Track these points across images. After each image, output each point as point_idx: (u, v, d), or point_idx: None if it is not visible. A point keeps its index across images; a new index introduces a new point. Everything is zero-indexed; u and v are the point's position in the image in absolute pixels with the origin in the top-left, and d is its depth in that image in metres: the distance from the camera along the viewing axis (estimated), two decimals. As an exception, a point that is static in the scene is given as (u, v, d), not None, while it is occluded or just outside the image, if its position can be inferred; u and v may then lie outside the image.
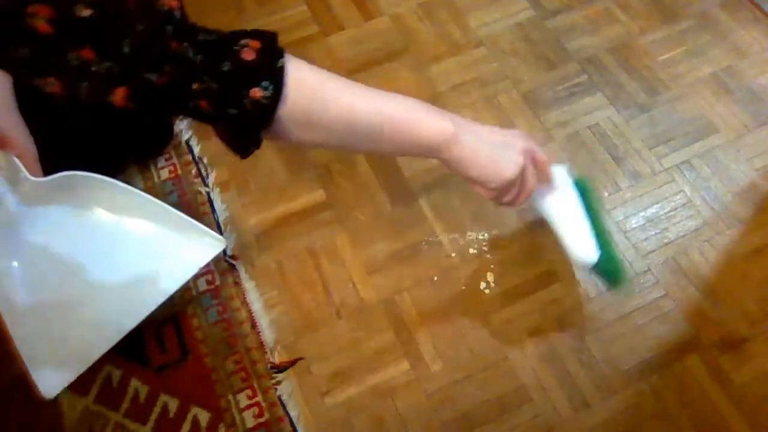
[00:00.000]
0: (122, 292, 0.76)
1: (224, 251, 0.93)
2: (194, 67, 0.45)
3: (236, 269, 0.93)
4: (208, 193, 0.99)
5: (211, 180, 1.00)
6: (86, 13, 0.40)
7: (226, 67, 0.46)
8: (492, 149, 0.59)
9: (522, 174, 0.62)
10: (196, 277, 0.91)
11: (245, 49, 0.47)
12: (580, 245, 0.73)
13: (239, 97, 0.47)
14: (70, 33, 0.40)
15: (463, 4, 1.18)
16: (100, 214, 0.76)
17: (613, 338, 0.87)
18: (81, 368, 0.74)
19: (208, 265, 0.92)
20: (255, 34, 0.49)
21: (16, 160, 0.65)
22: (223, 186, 1.00)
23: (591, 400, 0.84)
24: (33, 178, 0.66)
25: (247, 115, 0.48)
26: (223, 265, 0.93)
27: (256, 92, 0.47)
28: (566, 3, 1.18)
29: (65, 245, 0.75)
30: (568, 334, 0.88)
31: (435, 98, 1.07)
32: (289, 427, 0.82)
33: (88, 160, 0.96)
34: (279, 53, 0.49)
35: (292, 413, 0.83)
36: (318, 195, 0.99)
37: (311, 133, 0.53)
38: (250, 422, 0.83)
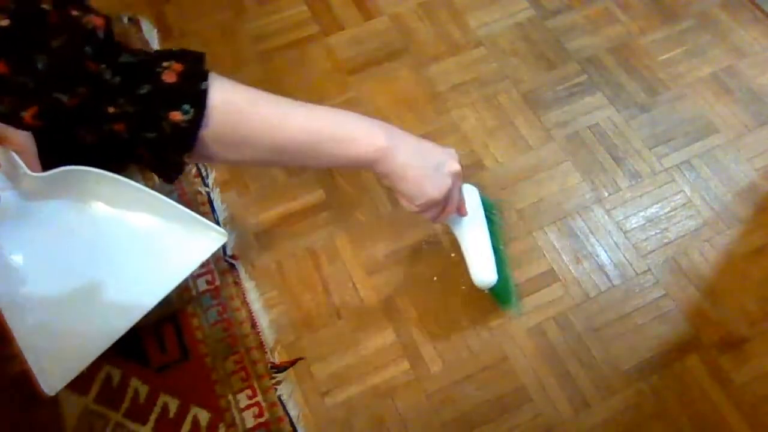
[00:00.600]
0: (124, 286, 0.76)
1: (224, 251, 0.94)
2: (110, 89, 0.43)
3: (236, 269, 0.93)
4: (208, 193, 0.99)
5: (211, 180, 1.00)
6: (3, 23, 0.38)
7: (145, 89, 0.44)
8: (422, 167, 0.59)
9: (447, 196, 0.63)
10: (195, 277, 0.92)
11: (167, 71, 0.45)
12: (482, 268, 0.79)
13: (157, 120, 0.45)
14: None
15: (462, 3, 1.18)
16: (101, 209, 0.76)
17: (613, 338, 0.88)
18: (84, 364, 0.73)
19: (208, 262, 0.92)
20: (180, 55, 0.47)
21: (15, 156, 0.65)
22: (223, 186, 1.00)
23: (591, 400, 0.84)
24: (32, 173, 0.66)
25: (165, 139, 0.46)
26: (223, 265, 0.93)
27: (176, 115, 0.46)
28: (566, 3, 1.19)
29: (66, 240, 0.75)
30: (568, 334, 0.88)
31: (435, 98, 1.07)
32: (289, 427, 0.82)
33: (88, 159, 0.96)
34: (202, 75, 0.47)
35: (292, 413, 0.83)
36: (318, 195, 0.99)
37: (238, 153, 0.52)
38: (250, 422, 0.83)
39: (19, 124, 0.43)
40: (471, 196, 0.80)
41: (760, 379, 0.85)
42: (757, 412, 0.83)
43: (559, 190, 0.99)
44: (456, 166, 0.62)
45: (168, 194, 0.98)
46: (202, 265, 0.92)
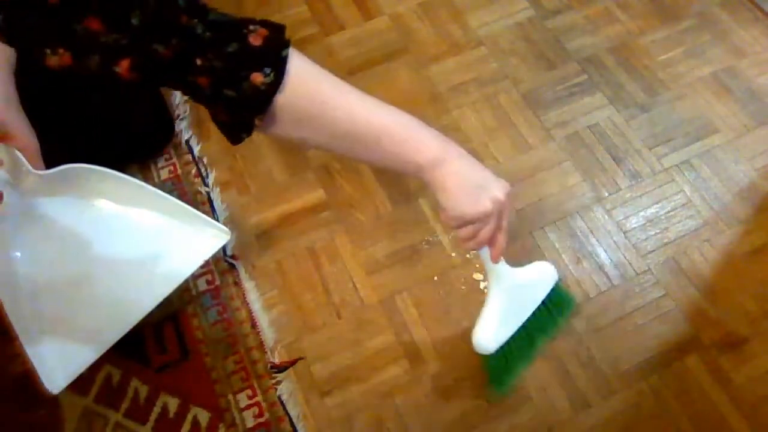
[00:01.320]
0: (127, 284, 0.76)
1: (224, 251, 0.94)
2: (201, 42, 0.45)
3: (236, 269, 0.93)
4: (208, 193, 0.99)
5: (211, 180, 1.00)
6: None
7: (232, 47, 0.46)
8: (465, 180, 0.58)
9: (483, 220, 0.61)
10: (195, 277, 0.92)
11: (253, 34, 0.47)
12: (484, 330, 0.70)
13: (240, 80, 0.47)
14: (77, 3, 0.40)
15: (462, 3, 1.18)
16: (104, 206, 0.76)
17: (613, 338, 0.87)
18: (87, 362, 0.73)
19: (208, 262, 0.92)
20: (264, 23, 0.50)
21: (19, 154, 0.65)
22: (223, 186, 1.00)
23: (591, 400, 0.84)
24: (35, 171, 0.66)
25: (244, 99, 0.48)
26: (223, 265, 0.93)
27: (257, 77, 0.47)
28: (566, 3, 1.18)
29: (68, 237, 0.75)
30: (568, 334, 0.88)
31: (435, 98, 1.07)
32: (289, 427, 0.82)
33: (89, 159, 0.96)
34: (285, 44, 0.50)
35: (292, 413, 0.83)
36: (318, 195, 0.99)
37: (305, 129, 0.53)
38: (250, 422, 0.83)
39: (113, 77, 0.45)
40: (542, 268, 0.75)
41: (760, 379, 0.85)
42: (757, 412, 0.83)
43: (559, 190, 0.99)
44: (500, 195, 0.59)
45: (168, 193, 0.98)
46: (202, 265, 0.92)
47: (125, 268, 0.77)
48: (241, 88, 0.48)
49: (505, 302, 0.70)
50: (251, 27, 0.48)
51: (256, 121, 0.52)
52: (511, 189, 0.61)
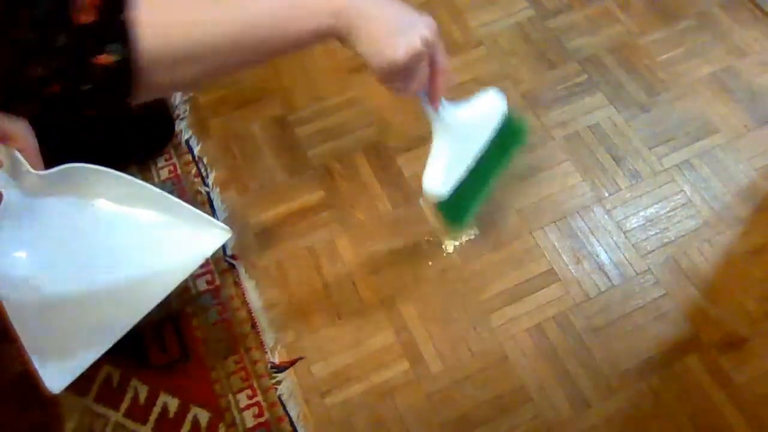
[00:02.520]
0: (128, 283, 0.75)
1: (224, 251, 0.94)
2: (29, 48, 0.38)
3: (236, 269, 0.93)
4: (208, 193, 0.99)
5: (211, 180, 1.00)
6: None
7: (61, 41, 0.39)
8: (390, 27, 0.52)
9: (414, 62, 0.55)
10: (195, 277, 0.92)
11: (82, 11, 0.39)
12: (433, 176, 0.66)
13: (86, 69, 0.40)
14: None
15: (462, 3, 1.18)
16: (104, 205, 0.75)
17: (613, 338, 0.88)
18: (88, 362, 0.71)
19: (208, 262, 0.92)
20: None
21: (18, 154, 0.65)
22: (223, 186, 1.00)
23: (591, 400, 0.84)
24: (35, 171, 0.66)
25: (102, 87, 0.42)
26: (223, 265, 0.93)
27: (102, 59, 0.40)
28: (566, 3, 1.18)
29: (69, 236, 0.75)
30: (568, 334, 0.88)
31: (435, 98, 1.07)
32: (289, 427, 0.82)
33: (89, 159, 0.96)
34: (119, 4, 0.41)
35: (292, 413, 0.83)
36: (318, 195, 0.99)
37: (187, 68, 0.46)
38: (250, 422, 0.83)
39: None
40: (486, 104, 0.70)
41: (760, 379, 0.85)
42: (757, 412, 0.83)
43: (559, 190, 0.99)
44: (427, 32, 0.54)
45: (168, 193, 0.98)
46: (202, 265, 0.92)
47: (126, 267, 0.76)
48: (93, 77, 0.41)
49: (452, 143, 0.66)
50: (78, 3, 0.39)
51: (131, 99, 0.44)
52: (436, 24, 0.56)
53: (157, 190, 0.73)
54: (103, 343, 0.72)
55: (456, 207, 0.72)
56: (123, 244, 0.77)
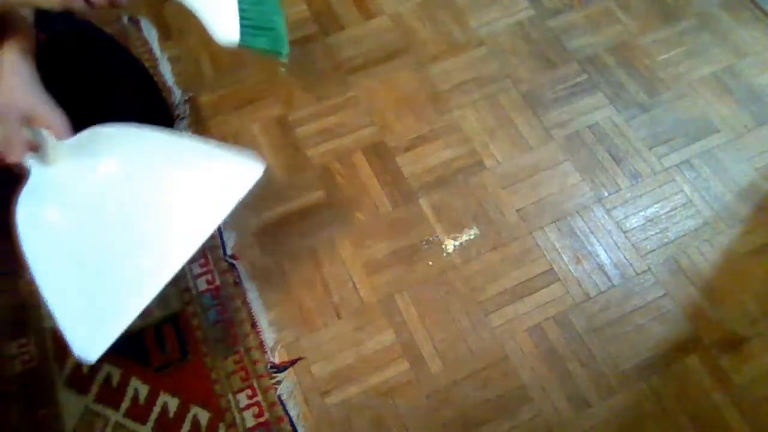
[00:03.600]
0: (165, 234, 0.74)
1: (224, 251, 0.94)
2: None
3: (236, 269, 0.93)
4: (207, 193, 0.99)
5: (211, 180, 1.00)
6: None
7: None
8: None
9: None
10: (195, 277, 0.92)
11: None
12: (222, 21, 0.63)
13: None
14: None
15: (463, 3, 1.18)
16: (134, 160, 0.75)
17: (613, 338, 0.88)
18: (123, 326, 0.68)
19: (208, 262, 0.92)
20: None
21: (44, 132, 0.67)
22: (223, 186, 1.00)
23: (591, 400, 0.84)
24: (61, 141, 0.68)
25: None
26: (223, 265, 0.93)
27: None
28: (566, 3, 1.18)
29: (103, 197, 0.74)
30: (568, 334, 0.88)
31: (435, 97, 1.07)
32: (289, 427, 0.82)
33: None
34: None
35: (292, 413, 0.83)
36: (318, 195, 0.99)
37: None
38: (250, 422, 0.83)
39: None
40: None
41: (760, 379, 0.85)
42: (757, 412, 0.83)
43: (559, 190, 0.99)
44: None
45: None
46: (202, 265, 0.93)
47: (162, 218, 0.74)
48: None
49: None
50: None
51: None
52: None
53: (182, 134, 0.74)
54: (138, 304, 0.69)
55: (265, 32, 0.69)
56: (157, 195, 0.75)
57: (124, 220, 0.73)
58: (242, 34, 0.67)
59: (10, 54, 0.61)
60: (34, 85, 0.68)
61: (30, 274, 0.66)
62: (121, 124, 0.69)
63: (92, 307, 0.68)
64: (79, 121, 0.92)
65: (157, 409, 0.83)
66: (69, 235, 0.72)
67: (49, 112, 0.68)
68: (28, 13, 0.69)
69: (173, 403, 0.83)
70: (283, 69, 0.78)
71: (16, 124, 0.65)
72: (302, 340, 0.88)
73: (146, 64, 1.04)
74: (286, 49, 0.73)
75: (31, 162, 0.68)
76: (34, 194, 0.69)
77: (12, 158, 0.64)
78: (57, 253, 0.70)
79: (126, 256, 0.72)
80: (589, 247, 0.94)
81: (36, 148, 0.68)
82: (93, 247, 0.72)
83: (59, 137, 0.68)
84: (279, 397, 0.84)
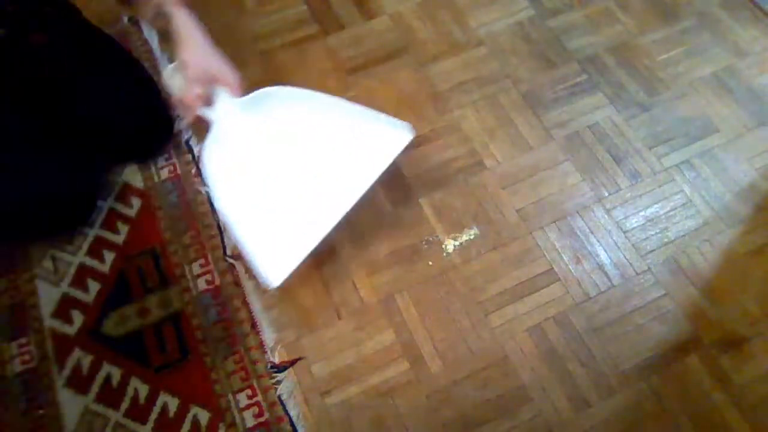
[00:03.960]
0: (328, 183, 0.84)
1: (224, 251, 0.94)
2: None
3: (236, 269, 0.93)
4: (207, 193, 0.99)
5: (211, 180, 1.00)
6: None
7: None
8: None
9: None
10: (195, 277, 0.92)
11: None
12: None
13: None
14: None
15: (463, 3, 1.18)
16: (300, 115, 0.85)
17: (613, 338, 0.88)
18: (302, 256, 0.80)
19: (208, 262, 0.92)
20: None
21: (224, 91, 0.78)
22: (223, 186, 1.00)
23: (591, 400, 0.84)
24: (240, 99, 0.79)
25: None
26: (223, 265, 0.93)
27: None
28: (566, 2, 1.18)
29: (276, 145, 0.85)
30: (568, 334, 0.88)
31: (435, 97, 1.07)
32: (289, 427, 0.82)
33: (89, 158, 0.96)
34: None
35: (292, 413, 0.83)
36: (318, 195, 0.99)
37: None
38: (250, 422, 0.83)
39: None
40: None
41: (760, 379, 0.85)
42: (757, 412, 0.83)
43: (559, 190, 0.99)
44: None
45: (167, 195, 0.98)
46: (202, 265, 0.93)
47: (326, 167, 0.85)
48: None
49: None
50: None
51: None
52: None
53: (342, 99, 0.83)
54: (313, 239, 0.81)
55: None
56: (321, 147, 0.85)
57: (293, 167, 0.84)
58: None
59: (186, 19, 0.71)
60: (211, 45, 0.76)
61: (217, 204, 0.80)
62: (287, 86, 0.81)
63: (274, 239, 0.80)
64: (79, 121, 0.92)
65: (157, 409, 0.83)
66: (248, 177, 0.83)
67: (227, 72, 0.76)
68: None
69: (173, 403, 0.83)
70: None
71: (198, 81, 0.74)
72: (302, 340, 0.88)
73: (146, 64, 1.04)
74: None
75: (211, 115, 0.79)
76: (216, 142, 0.80)
77: (190, 111, 0.75)
78: (240, 191, 0.82)
79: (297, 197, 0.83)
80: (589, 247, 0.94)
81: (210, 102, 0.78)
82: (269, 188, 0.84)
83: (235, 95, 0.77)
84: (279, 397, 0.84)
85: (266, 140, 0.84)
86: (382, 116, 0.83)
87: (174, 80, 0.80)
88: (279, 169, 0.84)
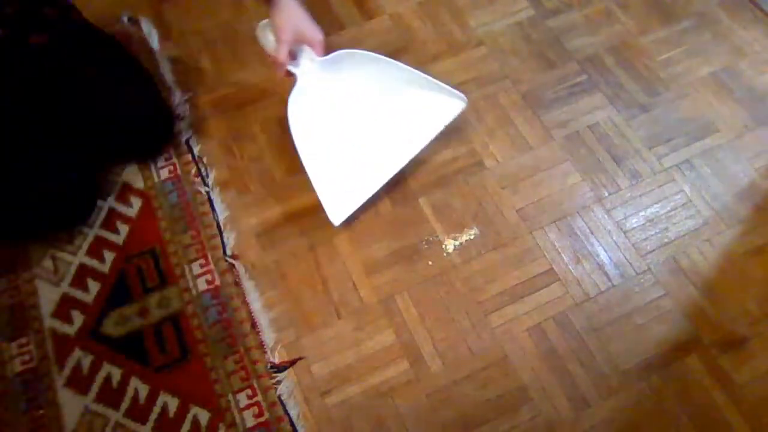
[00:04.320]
0: (390, 136, 0.96)
1: (224, 251, 0.94)
2: None
3: (236, 269, 0.93)
4: (207, 193, 0.99)
5: (211, 180, 1.00)
6: None
7: None
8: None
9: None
10: (196, 277, 0.92)
11: None
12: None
13: None
14: None
15: (463, 3, 1.18)
16: (369, 78, 0.95)
17: (613, 338, 0.88)
18: (363, 198, 0.94)
19: (207, 262, 0.92)
20: None
21: (309, 49, 0.90)
22: (223, 186, 1.00)
23: (591, 399, 0.84)
24: (323, 58, 0.89)
25: None
26: (223, 265, 0.93)
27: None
28: (566, 2, 1.18)
29: (345, 103, 0.96)
30: (568, 334, 0.88)
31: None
32: (288, 427, 0.82)
33: (90, 158, 0.96)
34: None
35: (292, 413, 0.83)
36: (318, 195, 0.99)
37: None
38: (250, 422, 0.83)
39: None
40: None
41: (760, 379, 0.85)
42: (757, 412, 0.83)
43: (559, 190, 0.99)
44: None
45: (167, 194, 0.99)
46: (202, 265, 0.93)
47: (389, 124, 0.96)
48: None
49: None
50: None
51: None
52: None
53: (405, 65, 0.92)
54: (373, 185, 0.94)
55: None
56: (384, 108, 0.97)
57: (361, 121, 0.97)
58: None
59: None
60: (301, 8, 0.86)
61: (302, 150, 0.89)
62: (362, 50, 0.91)
63: (339, 184, 0.92)
64: (79, 121, 0.92)
65: (157, 409, 0.83)
66: (322, 126, 0.95)
67: (314, 34, 0.87)
68: None
69: (173, 403, 0.83)
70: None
71: (288, 42, 0.85)
72: (302, 340, 0.88)
73: (146, 64, 1.04)
74: None
75: (295, 70, 0.90)
76: (300, 94, 0.90)
77: (281, 65, 0.87)
78: (315, 138, 0.92)
79: (361, 148, 0.96)
80: (589, 247, 0.94)
81: (295, 57, 0.90)
82: (339, 138, 0.96)
83: (318, 54, 0.89)
84: (279, 397, 0.84)
85: (340, 95, 0.96)
86: (442, 85, 0.93)
87: (266, 37, 0.92)
88: (349, 121, 0.96)
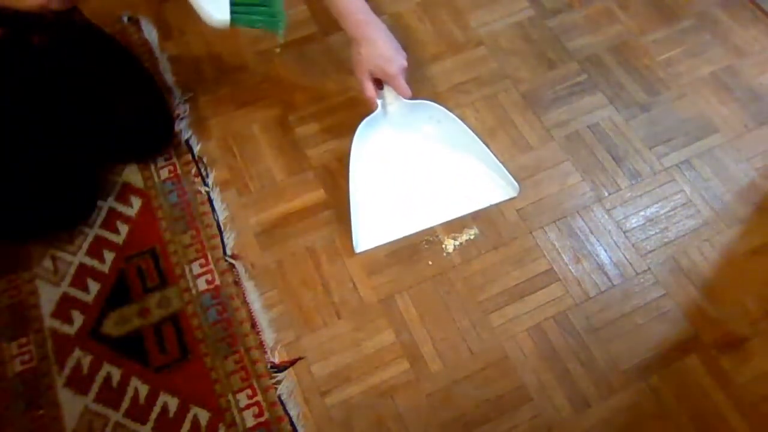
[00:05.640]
0: (430, 197, 0.97)
1: (224, 251, 0.94)
2: None
3: (236, 269, 0.93)
4: (207, 193, 0.99)
5: (211, 180, 1.00)
6: None
7: None
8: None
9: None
10: (195, 277, 0.92)
11: None
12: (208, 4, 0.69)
13: None
14: None
15: (463, 3, 1.18)
16: (438, 135, 0.99)
17: (613, 338, 0.88)
18: (389, 238, 0.95)
19: (207, 262, 0.92)
20: None
21: (391, 90, 0.92)
22: (223, 186, 1.00)
23: (591, 399, 0.84)
24: (403, 100, 0.92)
25: None
26: (223, 265, 0.93)
27: None
28: (566, 2, 1.18)
29: (409, 149, 1.00)
30: (568, 334, 0.88)
31: (435, 97, 1.07)
32: (288, 427, 0.82)
33: (90, 158, 0.96)
34: None
35: (292, 413, 0.83)
36: (318, 195, 0.99)
37: None
38: (250, 422, 0.83)
39: None
40: None
41: (760, 379, 0.85)
42: (757, 412, 0.83)
43: (559, 190, 0.99)
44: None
45: (167, 194, 0.99)
46: (202, 265, 0.93)
47: (438, 183, 0.98)
48: None
49: None
50: None
51: None
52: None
53: (475, 136, 0.95)
54: (403, 231, 0.95)
55: (259, 9, 0.74)
56: (440, 166, 0.99)
57: (414, 170, 1.00)
58: (234, 12, 0.71)
59: (374, 18, 0.86)
60: (385, 39, 0.88)
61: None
62: (445, 109, 0.94)
63: (375, 217, 0.95)
64: (79, 121, 0.92)
65: (157, 409, 0.83)
66: (382, 159, 0.98)
67: (392, 69, 0.88)
68: None
69: (173, 403, 0.83)
70: (277, 49, 0.92)
71: (366, 77, 0.89)
72: (302, 340, 0.88)
73: (146, 64, 1.04)
74: (282, 26, 0.78)
75: (378, 100, 0.92)
76: (373, 121, 0.93)
77: (369, 95, 0.90)
78: (370, 167, 0.97)
79: (404, 196, 0.98)
80: (589, 247, 0.94)
81: (381, 88, 0.93)
82: (388, 178, 0.99)
83: (402, 96, 0.91)
84: (279, 397, 0.84)
85: (407, 140, 0.99)
86: (502, 167, 0.95)
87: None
88: (405, 165, 0.99)
